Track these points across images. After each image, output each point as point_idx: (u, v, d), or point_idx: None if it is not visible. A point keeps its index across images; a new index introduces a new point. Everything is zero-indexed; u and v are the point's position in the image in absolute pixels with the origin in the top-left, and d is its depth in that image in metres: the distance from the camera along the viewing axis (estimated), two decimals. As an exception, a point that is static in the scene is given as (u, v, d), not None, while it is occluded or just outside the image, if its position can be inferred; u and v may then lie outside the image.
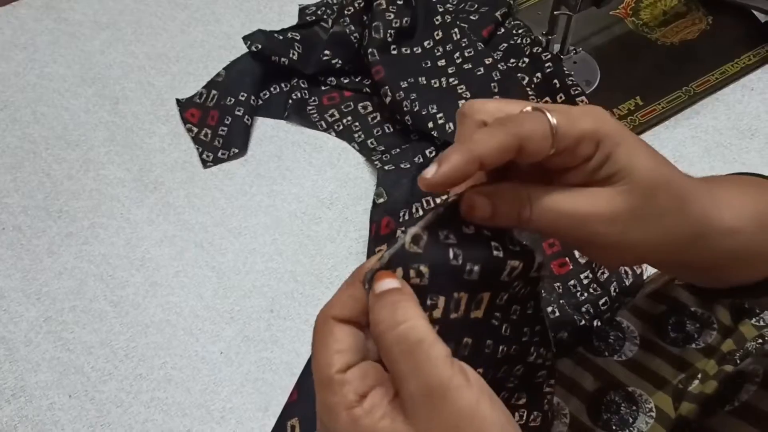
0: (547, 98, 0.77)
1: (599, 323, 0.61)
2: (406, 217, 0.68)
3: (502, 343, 0.34)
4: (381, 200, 0.68)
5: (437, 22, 0.81)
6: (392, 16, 0.77)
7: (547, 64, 0.77)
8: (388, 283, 0.29)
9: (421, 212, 0.69)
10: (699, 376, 0.49)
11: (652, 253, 0.35)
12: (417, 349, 0.27)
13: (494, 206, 0.31)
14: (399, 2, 0.78)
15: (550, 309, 0.63)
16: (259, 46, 0.78)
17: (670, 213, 0.33)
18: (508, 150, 0.30)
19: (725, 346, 0.49)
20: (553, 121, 0.30)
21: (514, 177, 0.35)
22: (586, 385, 0.52)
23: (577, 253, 0.66)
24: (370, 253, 0.67)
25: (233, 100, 0.77)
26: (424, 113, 0.72)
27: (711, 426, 0.44)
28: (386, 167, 0.70)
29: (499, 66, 0.79)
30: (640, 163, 0.32)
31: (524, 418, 0.40)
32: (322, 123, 0.77)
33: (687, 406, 0.47)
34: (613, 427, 0.49)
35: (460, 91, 0.76)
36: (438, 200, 0.70)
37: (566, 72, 0.76)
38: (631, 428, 0.49)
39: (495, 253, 0.32)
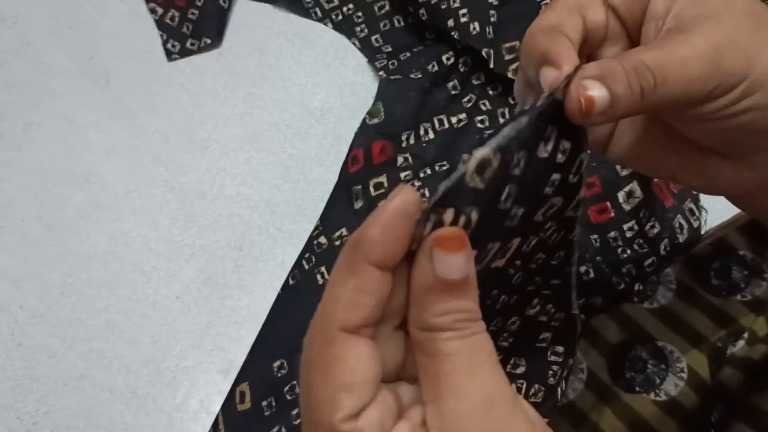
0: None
1: (641, 287, 0.52)
2: (411, 141, 0.58)
3: (505, 292, 0.30)
4: (375, 120, 0.58)
5: None
6: None
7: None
8: (463, 263, 0.21)
9: (431, 134, 0.57)
10: (745, 335, 0.45)
11: None
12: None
13: (610, 89, 0.25)
14: None
15: (583, 268, 0.53)
16: None
17: None
18: None
19: None
20: None
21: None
22: (608, 336, 0.48)
23: (620, 198, 0.55)
24: (340, 192, 0.57)
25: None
26: (443, 7, 0.59)
27: (757, 404, 0.40)
28: (391, 76, 0.60)
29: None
30: None
31: (522, 391, 0.36)
32: (317, 10, 0.67)
33: (728, 372, 0.43)
34: (636, 388, 0.46)
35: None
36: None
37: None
38: (658, 390, 0.45)
39: (547, 189, 0.25)
